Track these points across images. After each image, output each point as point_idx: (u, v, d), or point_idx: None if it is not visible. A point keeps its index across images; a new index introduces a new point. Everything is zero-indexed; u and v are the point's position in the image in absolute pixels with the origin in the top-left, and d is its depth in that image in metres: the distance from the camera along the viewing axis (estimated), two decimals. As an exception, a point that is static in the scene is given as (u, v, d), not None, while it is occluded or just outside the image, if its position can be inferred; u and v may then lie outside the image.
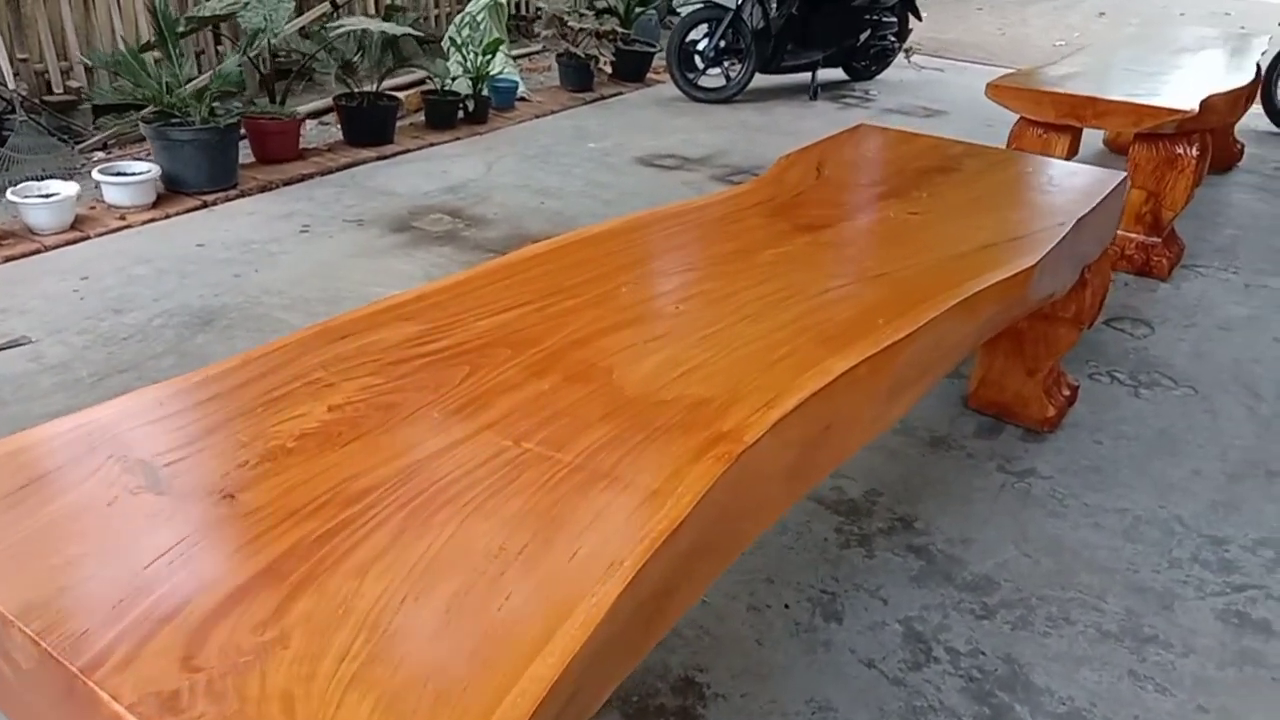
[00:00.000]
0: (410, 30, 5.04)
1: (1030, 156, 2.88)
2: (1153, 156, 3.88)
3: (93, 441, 1.32)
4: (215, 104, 4.33)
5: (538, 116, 6.03)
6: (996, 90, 3.98)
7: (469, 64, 5.63)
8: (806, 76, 6.90)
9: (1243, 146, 5.71)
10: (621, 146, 5.55)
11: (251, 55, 4.71)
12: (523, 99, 6.23)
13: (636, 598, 1.14)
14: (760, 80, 6.93)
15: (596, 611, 1.06)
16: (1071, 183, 2.68)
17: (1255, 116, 6.39)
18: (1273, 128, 6.49)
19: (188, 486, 1.24)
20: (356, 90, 5.14)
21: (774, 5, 6.37)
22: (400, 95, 5.56)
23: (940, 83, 7.66)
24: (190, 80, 4.38)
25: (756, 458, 1.43)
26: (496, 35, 5.64)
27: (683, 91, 6.60)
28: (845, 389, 1.63)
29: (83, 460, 1.28)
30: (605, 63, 6.72)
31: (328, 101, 5.44)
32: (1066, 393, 2.96)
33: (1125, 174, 2.78)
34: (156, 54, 4.32)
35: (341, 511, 1.21)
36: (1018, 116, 4.04)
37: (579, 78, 6.50)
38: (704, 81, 6.67)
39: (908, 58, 7.99)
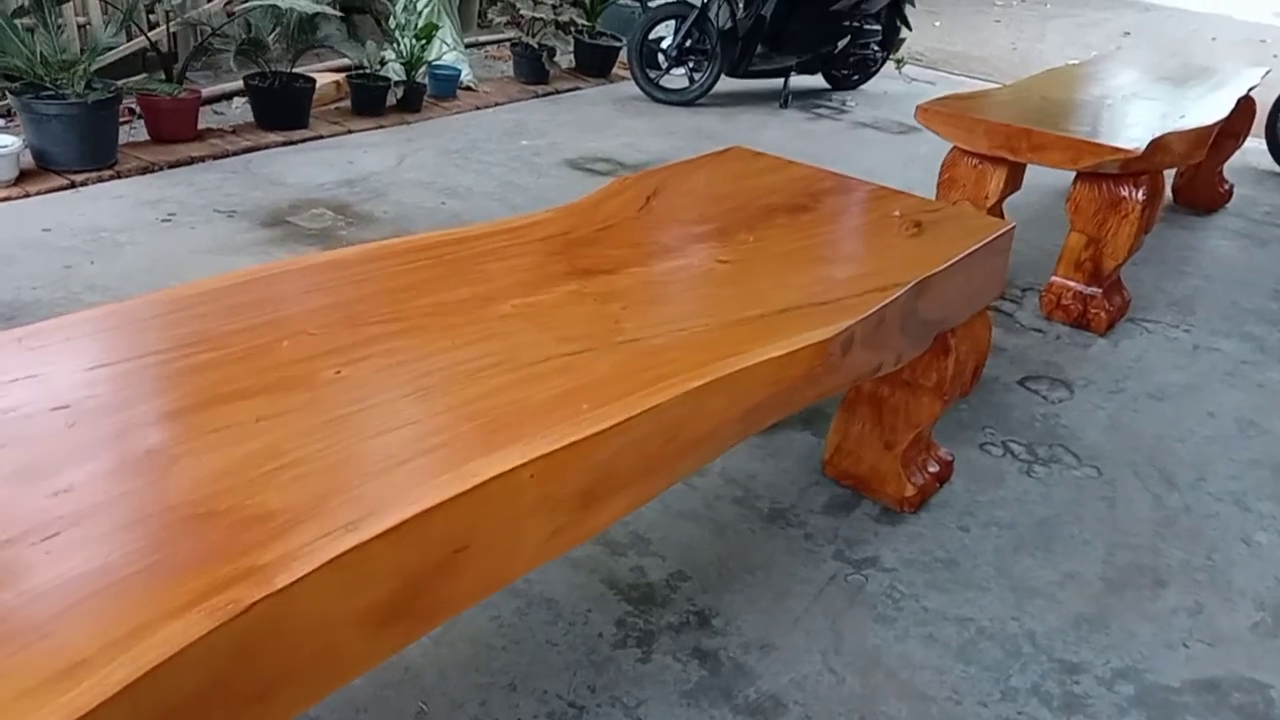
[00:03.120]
0: (326, 9, 4.70)
1: (908, 199, 2.49)
2: (1095, 198, 3.48)
3: None
4: (94, 78, 4.01)
5: (479, 108, 5.68)
6: (926, 115, 3.59)
7: (402, 49, 5.28)
8: (780, 82, 6.50)
9: (1231, 187, 5.26)
10: (556, 146, 5.19)
11: (147, 28, 4.39)
12: (468, 88, 5.89)
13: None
14: (731, 84, 6.55)
15: None
16: (941, 232, 2.29)
17: (1259, 154, 5.94)
18: (1275, 167, 6.03)
19: None
20: (269, 70, 4.80)
21: (741, 5, 5.97)
22: (316, 77, 5.22)
23: (928, 96, 7.21)
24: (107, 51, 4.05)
25: (299, 605, 1.07)
26: (434, 21, 5.28)
27: (643, 91, 6.23)
28: (492, 500, 1.27)
29: None
30: (562, 55, 6.35)
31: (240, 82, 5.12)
32: (935, 469, 2.58)
33: (1010, 224, 2.39)
34: (29, 20, 4.01)
35: None
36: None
37: (533, 69, 6.14)
38: (667, 82, 6.30)
39: (898, 68, 7.57)
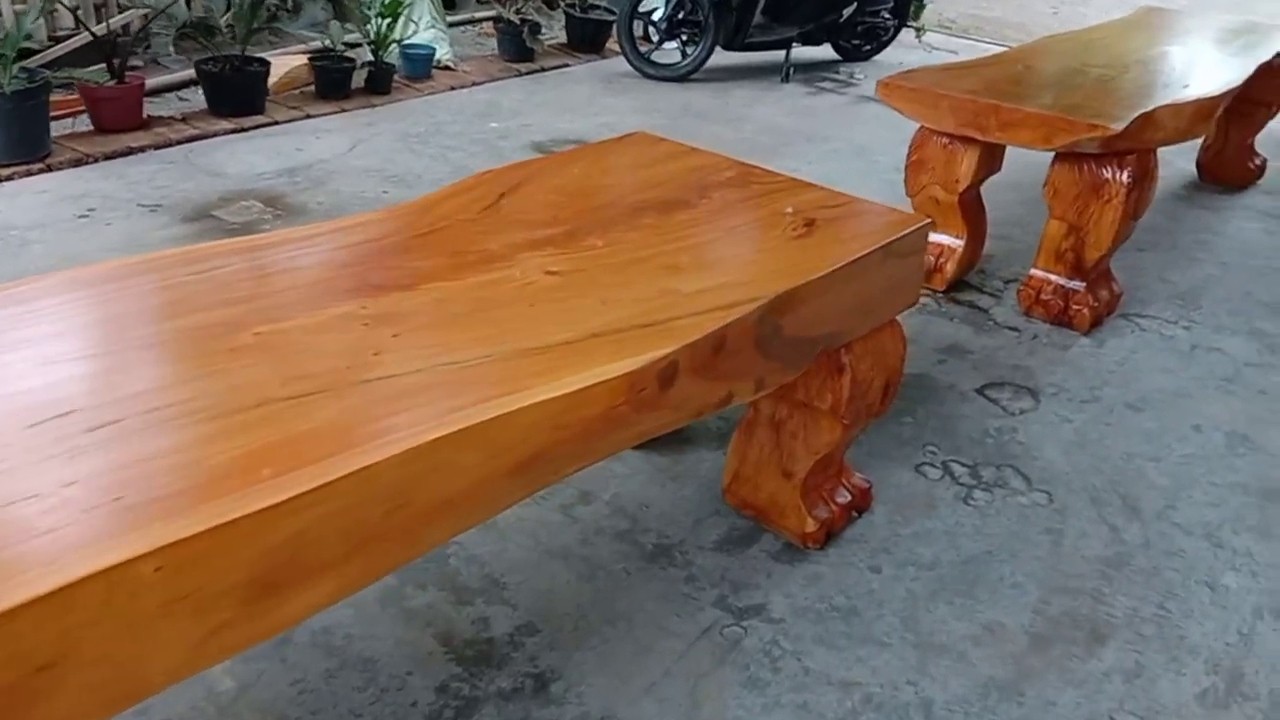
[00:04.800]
0: (281, -11, 4.47)
1: (814, 192, 2.16)
2: (1075, 181, 3.10)
3: None
4: (27, 68, 3.83)
5: (454, 88, 5.41)
6: (887, 90, 3.23)
7: (370, 28, 5.04)
8: (781, 55, 6.12)
9: (1264, 161, 4.78)
10: (528, 128, 4.91)
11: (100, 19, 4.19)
12: (446, 68, 5.62)
13: None
14: (729, 58, 6.20)
15: None
16: (834, 233, 1.97)
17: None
18: (1324, 138, 5.50)
19: None
20: (219, 54, 4.59)
21: (733, -28, 5.61)
22: (284, 60, 4.99)
23: (947, 67, 6.78)
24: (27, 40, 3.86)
25: None
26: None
27: (633, 67, 5.91)
28: (90, 603, 1.01)
29: None
30: (552, 30, 6.05)
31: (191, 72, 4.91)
32: (845, 499, 2.27)
33: (925, 222, 2.05)
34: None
35: None
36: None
37: (516, 47, 5.85)
38: (659, 57, 5.97)
39: (919, 36, 7.13)
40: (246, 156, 4.27)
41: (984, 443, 2.65)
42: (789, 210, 2.07)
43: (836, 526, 2.25)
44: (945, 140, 3.24)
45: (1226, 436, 2.74)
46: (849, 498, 2.27)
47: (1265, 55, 3.93)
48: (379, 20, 4.97)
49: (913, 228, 2.02)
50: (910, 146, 3.35)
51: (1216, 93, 3.29)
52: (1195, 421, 2.80)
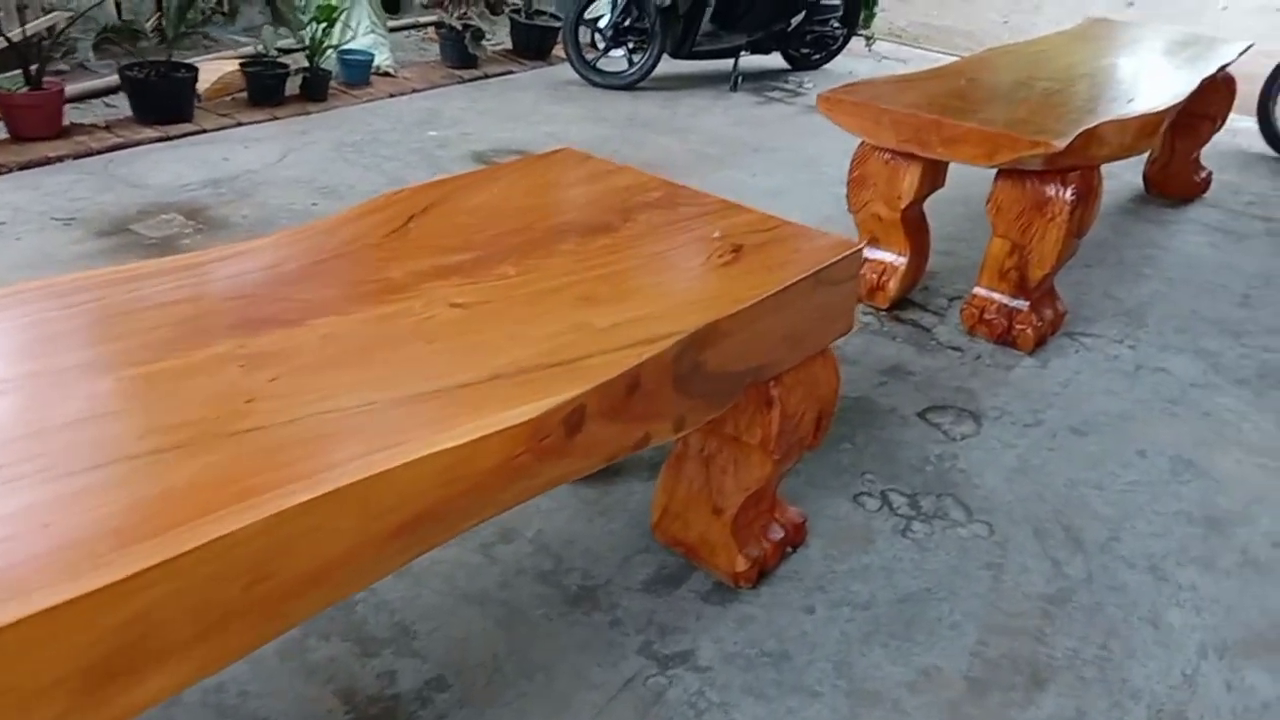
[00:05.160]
0: (208, -9, 4.30)
1: (745, 215, 2.06)
2: (1018, 198, 3.03)
3: None
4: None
5: (393, 95, 5.27)
6: (828, 104, 3.14)
7: (305, 33, 4.88)
8: (730, 63, 6.04)
9: (1209, 174, 4.77)
10: (467, 137, 4.78)
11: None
12: (386, 74, 5.47)
13: None
14: (677, 66, 6.11)
15: None
16: (762, 259, 1.87)
17: (1251, 134, 5.44)
18: (1269, 151, 5.52)
19: None
20: (144, 59, 4.41)
21: (679, -21, 5.51)
22: (217, 65, 4.82)
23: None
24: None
25: None
26: (332, 2, 4.86)
27: (579, 74, 5.80)
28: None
29: None
30: (497, 36, 5.92)
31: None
32: (779, 535, 2.17)
33: (857, 247, 1.96)
34: None
35: None
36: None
37: (458, 53, 5.71)
38: (606, 64, 5.86)
39: (869, 45, 7.09)
40: (171, 166, 4.10)
41: (924, 470, 2.56)
42: (716, 235, 1.97)
43: (770, 564, 2.15)
44: (887, 156, 3.16)
45: (1171, 462, 2.68)
46: (782, 533, 2.17)
47: (1209, 69, 3.90)
48: (314, 25, 4.81)
49: (845, 254, 1.92)
50: (852, 162, 3.27)
51: (1161, 107, 3.24)
52: (1140, 446, 2.74)
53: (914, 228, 3.29)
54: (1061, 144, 2.80)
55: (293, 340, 1.48)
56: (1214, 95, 4.35)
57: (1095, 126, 2.96)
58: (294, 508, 1.13)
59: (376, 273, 1.70)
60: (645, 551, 2.20)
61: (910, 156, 3.09)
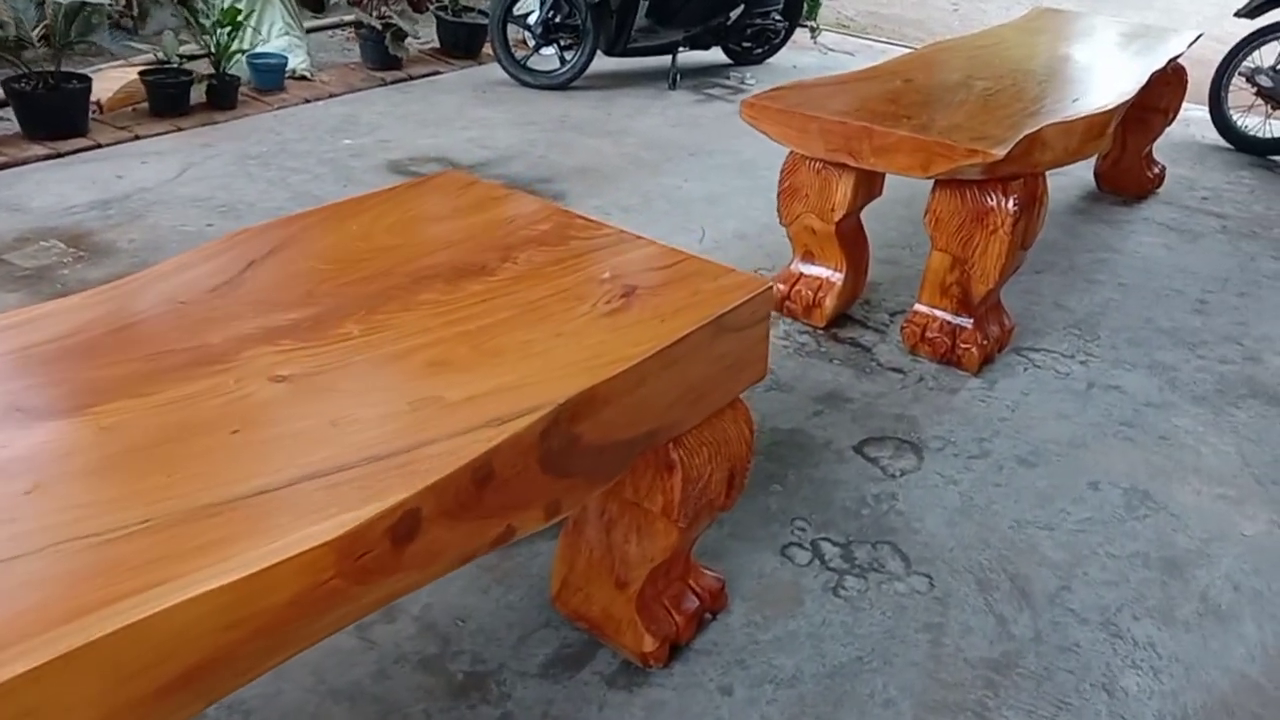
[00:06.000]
0: (97, -3, 3.99)
1: (645, 249, 1.82)
2: (957, 210, 2.81)
3: None
4: None
5: (309, 100, 4.97)
6: (752, 111, 2.91)
7: (208, 38, 4.57)
8: (668, 60, 5.79)
9: (1163, 169, 4.60)
10: (385, 145, 4.50)
11: None
12: (302, 78, 5.17)
13: None
14: (614, 64, 5.86)
15: None
16: (657, 305, 1.63)
17: (1203, 124, 5.28)
18: (1222, 141, 5.36)
19: None
20: (31, 70, 4.09)
21: (610, -26, 5.25)
22: (115, 74, 4.51)
23: (844, 69, 6.52)
24: None
25: None
26: (232, 5, 4.55)
27: (509, 74, 5.53)
28: None
29: None
30: (422, 34, 5.64)
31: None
32: (693, 606, 1.94)
33: (765, 286, 1.72)
34: None
35: None
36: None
37: (379, 54, 5.42)
38: (536, 63, 5.59)
39: (814, 37, 6.87)
40: (57, 186, 3.79)
41: (860, 514, 2.34)
42: (606, 275, 1.72)
43: (684, 638, 1.91)
44: (819, 165, 2.93)
45: (1125, 495, 2.48)
46: (698, 603, 1.94)
47: (1159, 62, 3.72)
48: (217, 30, 4.50)
49: (752, 294, 1.69)
50: (781, 172, 3.04)
51: (1108, 107, 3.04)
52: (1092, 477, 2.54)
53: (850, 240, 3.07)
54: (1001, 152, 2.59)
55: (66, 437, 1.22)
56: (1164, 88, 4.17)
57: (1038, 130, 2.75)
58: (20, 677, 0.88)
59: (191, 338, 1.44)
60: (546, 627, 1.97)
61: (843, 166, 2.86)
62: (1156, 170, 4.58)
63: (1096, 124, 2.98)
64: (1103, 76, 3.46)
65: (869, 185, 2.99)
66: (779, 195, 3.06)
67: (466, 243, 1.82)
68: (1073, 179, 4.54)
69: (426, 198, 2.01)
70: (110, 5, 4.16)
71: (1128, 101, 3.20)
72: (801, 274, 3.15)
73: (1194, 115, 5.38)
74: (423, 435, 1.26)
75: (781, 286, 3.17)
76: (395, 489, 1.17)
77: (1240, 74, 5.13)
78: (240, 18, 4.56)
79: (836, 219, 2.96)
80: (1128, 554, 2.28)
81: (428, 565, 1.23)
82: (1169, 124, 4.42)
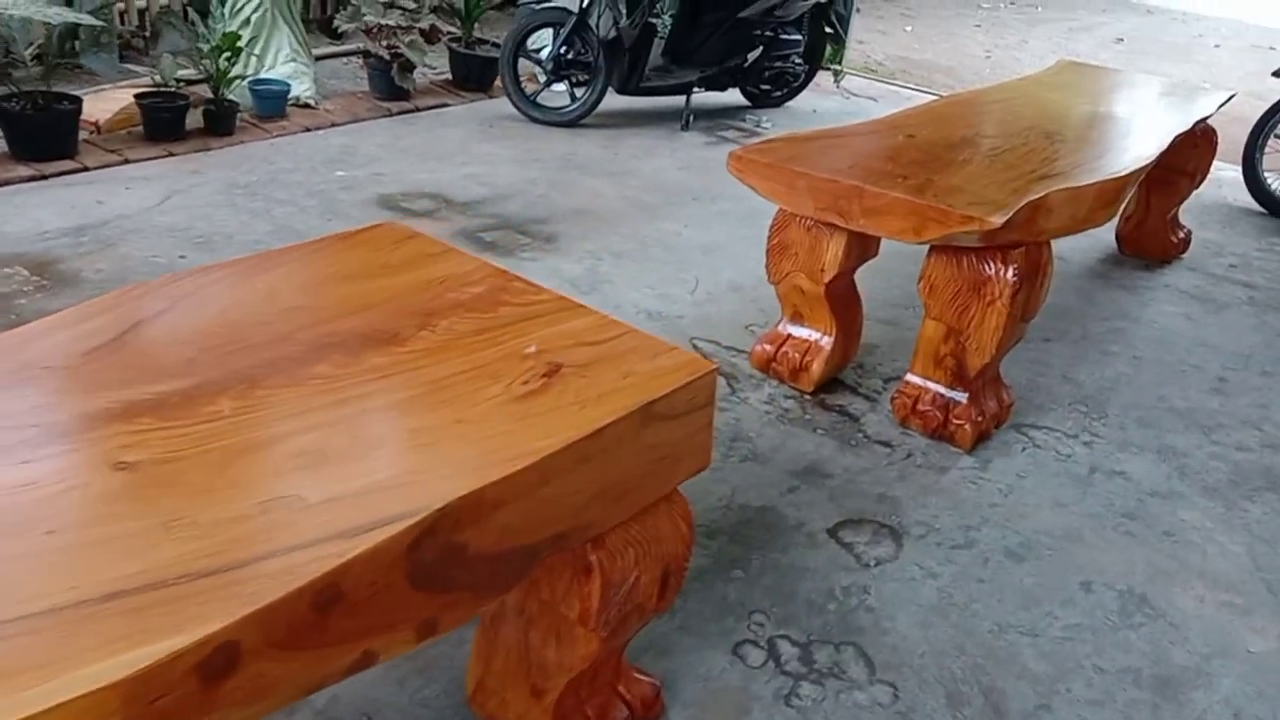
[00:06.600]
0: (91, 19, 3.91)
1: (584, 318, 1.65)
2: (953, 277, 2.63)
3: None
4: None
5: (309, 129, 4.87)
6: (740, 165, 2.75)
7: (206, 63, 4.49)
8: (683, 100, 5.65)
9: (1188, 234, 4.37)
10: (379, 178, 4.38)
11: None
12: (306, 105, 5.08)
13: None
14: (629, 102, 5.72)
15: None
16: (581, 387, 1.46)
17: (1236, 186, 5.05)
18: (1254, 205, 5.13)
19: None
20: (21, 89, 4.02)
21: (624, 11, 5.12)
22: (114, 96, 4.43)
23: (865, 115, 6.35)
24: None
25: None
26: (232, 31, 4.47)
27: (518, 109, 5.41)
28: None
29: None
30: (433, 66, 5.54)
31: None
32: (622, 715, 1.74)
33: (710, 368, 1.55)
34: None
35: None
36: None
37: (387, 84, 5.33)
38: (547, 99, 5.47)
39: (837, 81, 6.71)
40: (34, 211, 3.70)
41: (826, 610, 2.15)
42: (531, 349, 1.56)
43: (607, 753, 1.72)
44: (808, 225, 2.76)
45: (1120, 598, 2.26)
46: (627, 713, 1.75)
47: (1186, 123, 3.52)
48: (216, 55, 4.41)
49: (690, 378, 1.51)
50: (771, 227, 2.87)
51: (1122, 173, 2.84)
52: (1086, 576, 2.33)
53: (841, 302, 2.89)
54: (999, 220, 2.40)
55: None
56: (1192, 150, 3.96)
57: (1043, 197, 2.56)
58: None
59: (41, 412, 1.29)
60: (458, 728, 1.78)
61: (834, 225, 2.69)
62: (1182, 234, 4.36)
63: (1109, 190, 2.78)
64: (1122, 138, 3.26)
65: (862, 246, 2.81)
66: (767, 251, 2.89)
67: (384, 306, 1.66)
68: (1092, 240, 4.32)
69: (353, 252, 1.85)
70: (106, 26, 4.05)
71: (1146, 167, 3.01)
72: (789, 335, 2.97)
73: (1226, 175, 5.15)
74: (262, 547, 1.10)
75: (768, 347, 3.00)
76: (210, 617, 1.00)
77: (1276, 136, 4.90)
78: (242, 43, 4.46)
79: (826, 280, 2.79)
80: (1117, 669, 2.06)
81: (253, 702, 1.06)
82: (1196, 187, 4.21)
